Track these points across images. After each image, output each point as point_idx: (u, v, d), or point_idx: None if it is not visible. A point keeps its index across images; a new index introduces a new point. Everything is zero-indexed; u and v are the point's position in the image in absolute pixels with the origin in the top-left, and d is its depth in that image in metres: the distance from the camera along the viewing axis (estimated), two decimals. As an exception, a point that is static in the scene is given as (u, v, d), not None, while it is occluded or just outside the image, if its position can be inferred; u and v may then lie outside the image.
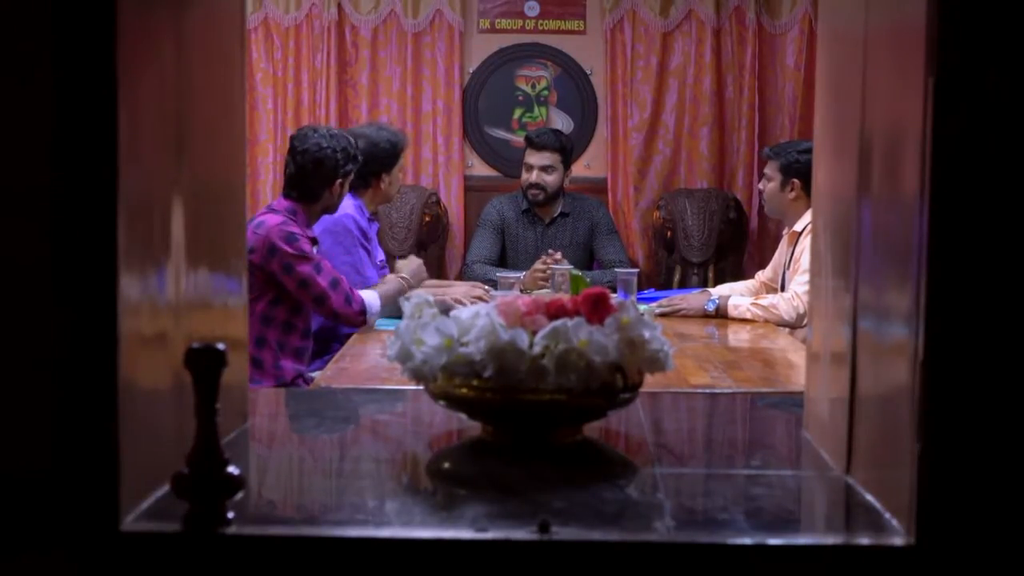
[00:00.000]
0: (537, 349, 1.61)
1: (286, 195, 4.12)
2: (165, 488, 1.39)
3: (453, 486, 1.65)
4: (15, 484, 1.34)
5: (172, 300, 1.51)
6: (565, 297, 1.70)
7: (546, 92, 6.52)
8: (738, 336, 4.06)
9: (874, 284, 1.52)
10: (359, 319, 4.03)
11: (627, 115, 6.41)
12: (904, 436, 1.34)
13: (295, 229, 3.96)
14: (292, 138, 4.17)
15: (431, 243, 6.24)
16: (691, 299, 4.54)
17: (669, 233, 6.28)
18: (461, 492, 1.61)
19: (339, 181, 4.09)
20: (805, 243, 4.38)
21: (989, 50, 1.28)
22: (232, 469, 1.33)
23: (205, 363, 1.30)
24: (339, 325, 4.22)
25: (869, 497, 1.49)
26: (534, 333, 1.62)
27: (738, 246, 6.35)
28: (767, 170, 4.76)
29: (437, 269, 6.29)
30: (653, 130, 6.45)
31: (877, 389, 1.50)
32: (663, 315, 4.42)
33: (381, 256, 4.81)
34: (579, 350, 1.61)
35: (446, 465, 1.74)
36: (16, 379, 1.34)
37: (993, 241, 1.29)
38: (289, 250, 3.90)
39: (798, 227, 4.55)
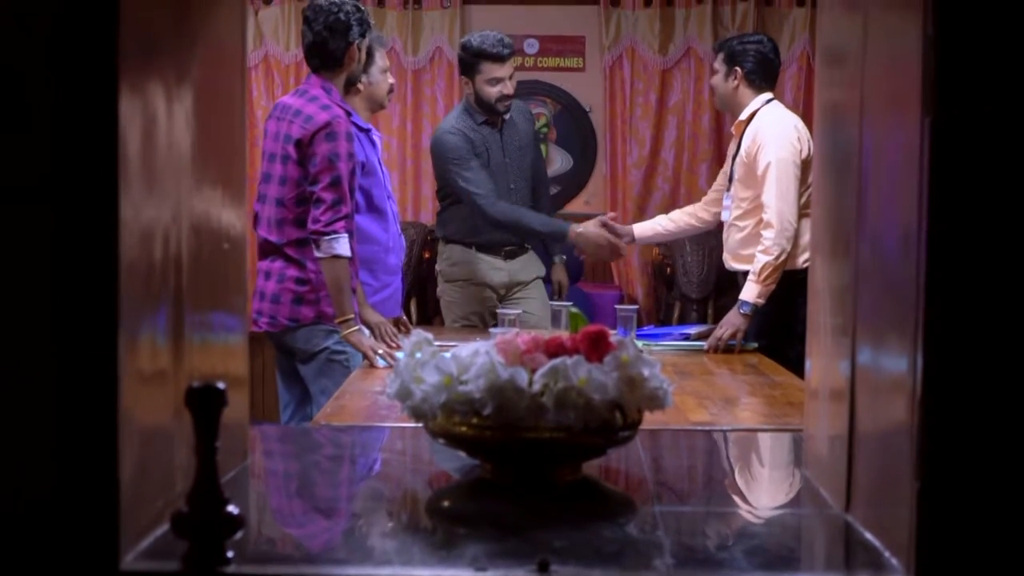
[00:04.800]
0: (536, 387, 1.62)
1: (311, 67, 4.15)
2: (165, 527, 1.39)
3: (452, 524, 1.65)
4: (15, 523, 1.34)
5: (173, 338, 1.52)
6: (564, 335, 1.71)
7: (545, 129, 6.55)
8: (737, 374, 4.05)
9: (873, 321, 1.52)
10: (322, 237, 3.91)
11: (626, 152, 6.44)
12: (903, 474, 1.34)
13: (351, 128, 4.03)
14: (304, 11, 4.21)
15: (430, 281, 6.23)
16: (729, 322, 4.51)
17: (669, 270, 6.29)
18: (460, 531, 1.61)
19: (356, 42, 4.10)
20: (751, 132, 4.57)
21: (985, 87, 1.29)
22: (232, 508, 1.33)
23: (205, 402, 1.31)
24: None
25: (868, 536, 1.49)
26: (533, 371, 1.63)
27: (737, 283, 6.35)
28: (715, 64, 4.85)
29: (437, 306, 6.27)
30: (652, 167, 6.48)
31: (876, 427, 1.50)
32: (718, 350, 4.44)
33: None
34: (578, 388, 1.61)
35: (445, 503, 1.74)
36: (17, 418, 1.34)
37: (991, 278, 1.30)
38: (344, 145, 3.95)
39: (743, 116, 4.68)
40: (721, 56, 4.77)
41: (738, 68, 4.67)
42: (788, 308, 4.41)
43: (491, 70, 4.95)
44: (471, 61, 4.98)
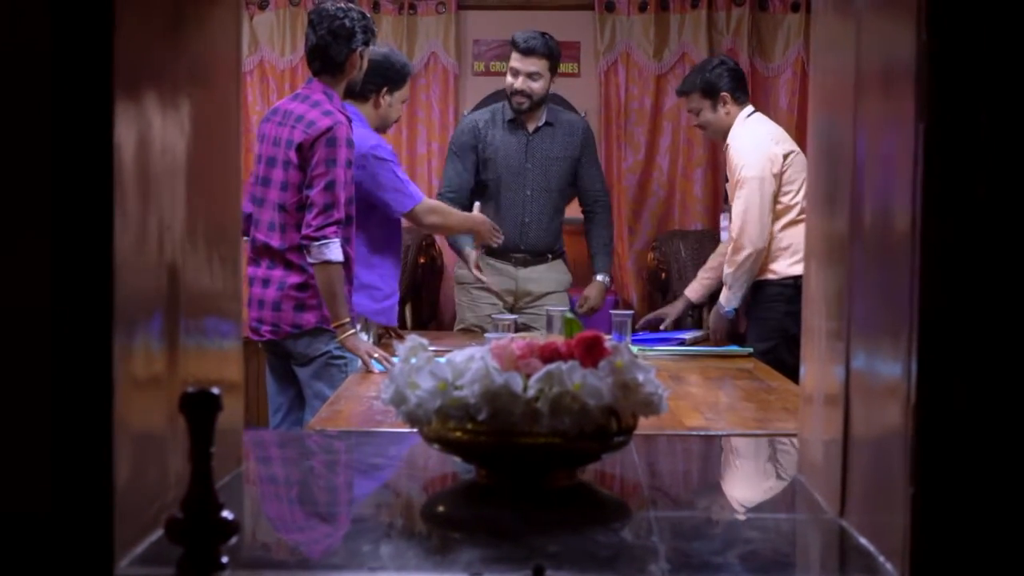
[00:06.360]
0: (531, 392, 1.62)
1: (312, 69, 4.16)
2: (159, 532, 1.39)
3: (448, 530, 1.65)
4: (9, 528, 1.34)
5: (167, 343, 1.52)
6: (559, 340, 1.71)
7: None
8: (733, 379, 4.06)
9: (867, 326, 1.52)
10: (312, 242, 3.92)
11: (621, 157, 6.43)
12: (897, 479, 1.34)
13: (351, 134, 4.03)
14: (310, 14, 4.24)
15: (425, 286, 6.23)
16: (713, 326, 4.82)
17: (663, 275, 6.28)
18: (455, 536, 1.61)
19: (359, 50, 4.12)
20: (734, 147, 4.74)
21: (979, 93, 1.30)
22: (226, 513, 1.32)
23: (200, 408, 1.30)
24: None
25: (863, 540, 1.49)
26: (528, 376, 1.63)
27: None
28: (691, 104, 4.95)
29: (432, 311, 6.28)
30: (647, 172, 6.47)
31: (870, 432, 1.50)
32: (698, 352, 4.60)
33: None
34: (573, 393, 1.61)
35: (440, 509, 1.74)
36: (12, 423, 1.34)
37: (985, 284, 1.30)
38: (343, 151, 3.95)
39: (731, 137, 4.82)
40: (697, 94, 4.87)
41: (723, 93, 4.79)
42: (785, 313, 4.52)
43: (512, 58, 5.16)
44: (510, 50, 5.21)
